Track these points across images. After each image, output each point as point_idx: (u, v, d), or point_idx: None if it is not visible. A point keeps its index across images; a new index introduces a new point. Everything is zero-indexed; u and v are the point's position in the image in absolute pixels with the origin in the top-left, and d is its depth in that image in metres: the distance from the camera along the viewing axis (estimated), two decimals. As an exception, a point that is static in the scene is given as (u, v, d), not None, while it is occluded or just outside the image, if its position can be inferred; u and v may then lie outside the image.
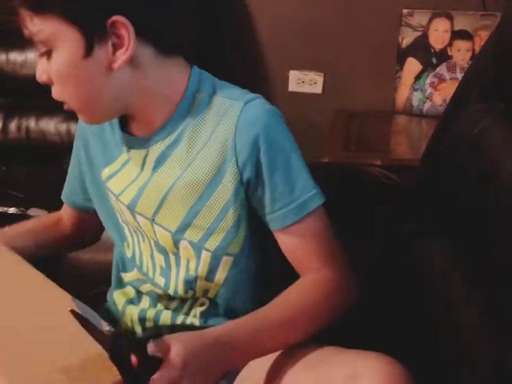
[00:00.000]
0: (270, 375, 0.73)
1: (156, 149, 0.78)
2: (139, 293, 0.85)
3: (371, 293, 0.87)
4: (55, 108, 1.69)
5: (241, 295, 0.81)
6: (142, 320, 0.84)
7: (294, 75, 1.82)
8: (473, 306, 0.73)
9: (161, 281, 0.82)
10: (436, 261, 0.83)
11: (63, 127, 1.67)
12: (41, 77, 0.75)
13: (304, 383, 0.69)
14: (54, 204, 1.39)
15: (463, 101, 0.90)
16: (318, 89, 1.81)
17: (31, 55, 1.65)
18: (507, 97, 0.78)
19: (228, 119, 0.75)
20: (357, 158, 1.44)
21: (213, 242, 0.78)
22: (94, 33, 0.71)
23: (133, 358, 0.63)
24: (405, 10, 1.66)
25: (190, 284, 0.80)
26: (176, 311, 0.82)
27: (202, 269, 0.79)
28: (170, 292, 0.81)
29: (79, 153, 0.89)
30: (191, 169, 0.76)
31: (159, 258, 0.81)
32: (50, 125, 1.69)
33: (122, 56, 0.72)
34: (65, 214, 0.97)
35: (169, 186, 0.77)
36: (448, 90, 1.61)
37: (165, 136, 0.77)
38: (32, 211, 1.42)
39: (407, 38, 1.67)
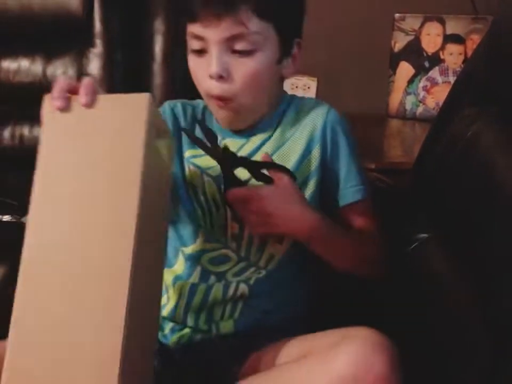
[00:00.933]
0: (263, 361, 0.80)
1: (257, 139, 0.92)
2: (192, 267, 0.90)
3: (370, 294, 0.88)
4: (49, 115, 1.70)
5: (292, 270, 0.90)
6: (193, 291, 0.88)
7: (287, 80, 1.81)
8: (472, 307, 0.73)
9: (232, 245, 0.89)
10: (434, 262, 0.84)
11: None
12: (222, 71, 0.84)
13: (292, 353, 0.76)
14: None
15: (455, 105, 0.91)
16: (311, 93, 1.81)
17: (24, 63, 1.65)
18: (499, 100, 0.79)
19: (317, 113, 0.92)
20: (352, 162, 1.44)
21: None
22: (289, 46, 0.89)
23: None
24: (397, 15, 1.67)
25: (262, 246, 0.89)
26: (234, 276, 0.88)
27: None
28: (242, 253, 0.89)
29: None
30: (284, 148, 0.91)
31: (234, 226, 0.89)
32: (44, 132, 1.69)
33: (293, 69, 0.92)
34: None
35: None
36: (441, 94, 1.62)
37: (265, 129, 0.92)
38: (27, 219, 1.42)
39: (399, 42, 1.68)
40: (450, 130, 0.87)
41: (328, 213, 0.89)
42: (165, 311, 0.90)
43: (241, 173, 0.85)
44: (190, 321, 0.88)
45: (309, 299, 0.93)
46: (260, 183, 0.85)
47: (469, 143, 0.80)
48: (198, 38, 0.85)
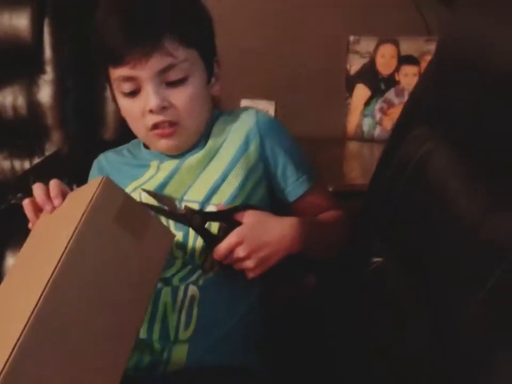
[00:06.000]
0: None
1: (191, 154, 0.94)
2: None
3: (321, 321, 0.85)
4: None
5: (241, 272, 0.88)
6: None
7: (245, 104, 1.80)
8: (424, 332, 0.71)
9: (178, 253, 0.88)
10: (388, 288, 0.82)
11: (6, 164, 1.62)
12: (163, 102, 0.87)
13: None
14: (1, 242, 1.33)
15: (406, 126, 0.90)
16: (270, 117, 1.81)
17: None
18: (448, 121, 0.78)
19: (247, 117, 0.95)
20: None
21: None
22: (211, 66, 0.95)
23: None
24: (351, 38, 1.68)
25: (205, 249, 0.87)
26: (181, 281, 0.86)
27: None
28: (187, 257, 0.87)
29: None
30: (220, 153, 0.93)
31: (178, 235, 0.87)
32: (-7, 163, 1.64)
33: (218, 86, 0.97)
34: None
35: (200, 170, 0.92)
36: (397, 115, 1.59)
37: (198, 144, 0.95)
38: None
39: (355, 64, 1.68)
40: (401, 151, 0.86)
41: (283, 209, 0.93)
42: None
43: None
44: (143, 332, 0.84)
45: (263, 309, 0.92)
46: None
47: (419, 164, 0.79)
48: (129, 79, 0.87)
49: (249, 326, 0.88)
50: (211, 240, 0.84)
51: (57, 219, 0.77)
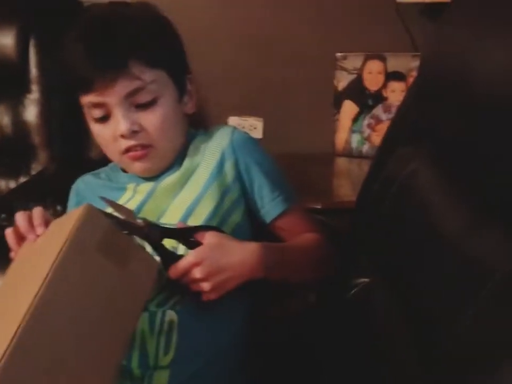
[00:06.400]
0: None
1: (167, 175, 0.93)
2: None
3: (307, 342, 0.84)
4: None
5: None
6: None
7: (233, 121, 1.80)
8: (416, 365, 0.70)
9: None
10: (373, 310, 0.81)
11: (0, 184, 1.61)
12: (133, 126, 0.86)
13: None
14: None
15: (393, 142, 0.89)
16: (258, 134, 1.80)
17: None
18: (431, 138, 0.78)
19: (222, 135, 0.94)
20: (298, 202, 1.41)
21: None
22: (183, 84, 0.93)
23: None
24: (338, 54, 1.68)
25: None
26: (158, 307, 0.83)
27: None
28: (163, 282, 0.83)
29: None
30: (196, 174, 0.92)
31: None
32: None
33: (192, 103, 0.94)
34: None
35: (176, 191, 0.91)
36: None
37: (173, 165, 0.94)
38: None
39: (342, 81, 1.68)
40: (386, 169, 0.85)
41: (261, 230, 0.92)
42: None
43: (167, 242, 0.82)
44: None
45: (248, 332, 0.89)
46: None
47: (404, 182, 0.78)
48: (98, 105, 0.87)
49: (233, 351, 0.86)
50: (168, 258, 0.80)
51: (39, 247, 0.77)
